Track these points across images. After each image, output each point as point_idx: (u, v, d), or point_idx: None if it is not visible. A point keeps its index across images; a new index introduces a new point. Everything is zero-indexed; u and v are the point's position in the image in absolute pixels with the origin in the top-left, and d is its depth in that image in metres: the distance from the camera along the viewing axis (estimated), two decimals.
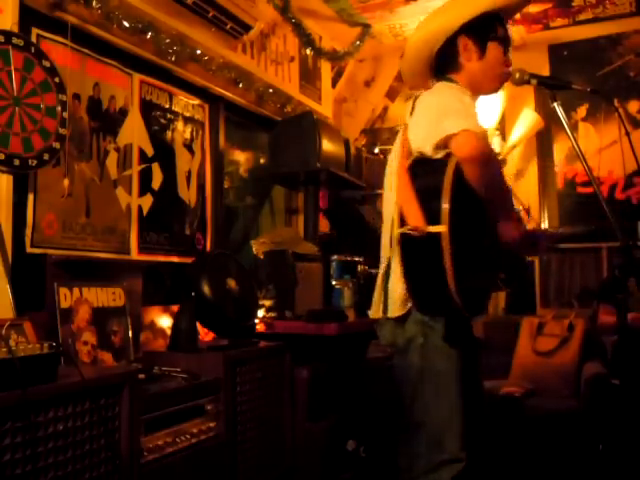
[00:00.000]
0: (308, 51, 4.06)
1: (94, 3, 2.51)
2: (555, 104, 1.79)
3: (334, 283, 3.44)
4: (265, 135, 3.88)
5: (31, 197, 2.32)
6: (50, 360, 1.62)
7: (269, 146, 3.76)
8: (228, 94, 3.43)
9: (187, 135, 3.19)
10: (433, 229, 1.61)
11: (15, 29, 2.20)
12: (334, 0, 4.01)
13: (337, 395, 2.95)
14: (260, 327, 2.96)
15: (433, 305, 1.74)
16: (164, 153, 3.01)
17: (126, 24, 2.68)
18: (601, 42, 4.51)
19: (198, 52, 3.10)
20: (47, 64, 2.29)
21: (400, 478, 1.86)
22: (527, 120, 4.50)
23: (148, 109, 2.92)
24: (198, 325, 2.61)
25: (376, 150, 4.75)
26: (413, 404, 1.78)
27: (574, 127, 4.48)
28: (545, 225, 4.64)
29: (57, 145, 2.31)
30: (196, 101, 3.26)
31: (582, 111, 4.52)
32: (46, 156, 2.27)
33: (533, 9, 4.21)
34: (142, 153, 2.86)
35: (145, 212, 2.86)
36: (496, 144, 4.72)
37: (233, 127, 3.66)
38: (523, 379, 3.67)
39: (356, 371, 3.10)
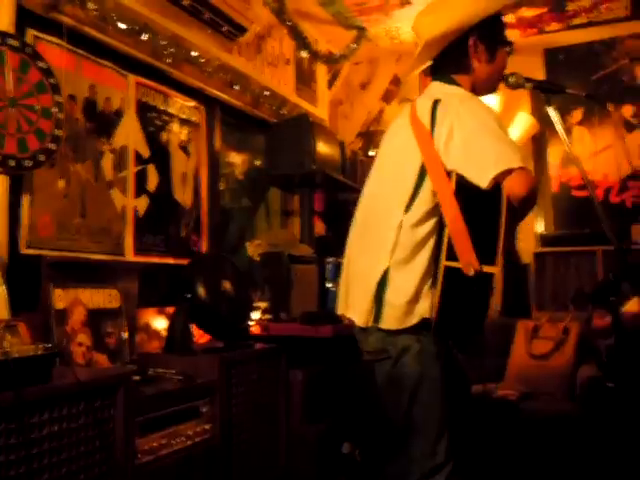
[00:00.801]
0: (304, 54, 4.07)
1: (90, 4, 2.51)
2: (549, 108, 1.80)
3: (329, 285, 3.44)
4: (261, 137, 3.89)
5: (26, 198, 2.31)
6: (44, 361, 1.62)
7: (265, 148, 3.76)
8: (224, 96, 3.43)
9: (183, 137, 3.19)
10: (488, 270, 1.59)
11: (11, 30, 2.20)
12: (330, 3, 4.02)
13: (332, 397, 2.95)
14: (255, 329, 2.96)
15: (454, 331, 1.73)
16: (160, 155, 3.01)
17: (122, 25, 2.68)
18: (596, 46, 4.53)
19: (194, 54, 3.10)
20: (43, 65, 2.28)
21: None
22: (522, 123, 4.51)
23: (144, 111, 2.92)
24: (193, 327, 2.61)
25: (371, 153, 4.76)
26: (411, 410, 1.75)
27: (569, 131, 4.50)
28: (541, 228, 4.66)
29: (53, 146, 2.31)
30: (192, 103, 3.26)
31: (577, 115, 4.54)
32: (41, 157, 2.26)
33: (528, 13, 4.24)
34: (138, 155, 2.86)
35: (141, 214, 2.85)
36: None
37: (229, 129, 3.66)
38: (518, 382, 3.67)
39: (351, 373, 3.10)
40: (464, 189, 1.62)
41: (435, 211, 1.69)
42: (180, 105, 3.18)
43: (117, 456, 1.79)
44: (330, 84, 4.66)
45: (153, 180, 2.95)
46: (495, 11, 1.78)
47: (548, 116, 1.82)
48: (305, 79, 4.25)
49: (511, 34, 4.51)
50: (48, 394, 1.59)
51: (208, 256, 3.17)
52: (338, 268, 3.54)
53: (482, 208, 1.62)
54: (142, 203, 2.87)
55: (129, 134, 2.81)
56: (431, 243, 1.68)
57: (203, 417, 2.26)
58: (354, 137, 5.09)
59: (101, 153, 2.65)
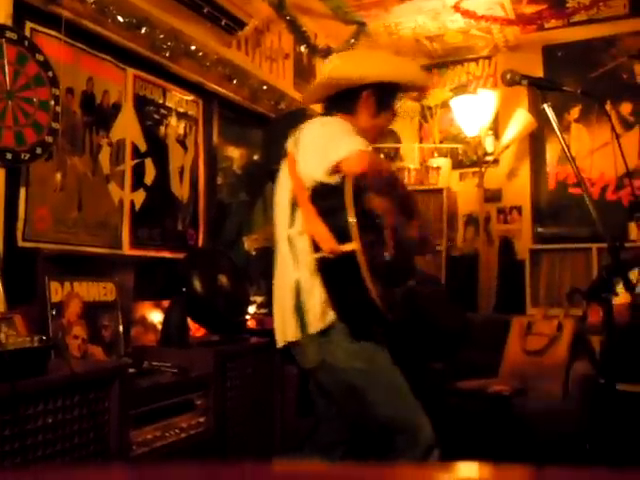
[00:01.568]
0: (303, 48, 4.07)
1: None
2: (545, 105, 1.81)
3: None
4: (259, 131, 3.89)
5: (23, 191, 2.32)
6: (40, 353, 1.63)
7: (263, 142, 3.76)
8: (222, 90, 3.43)
9: (180, 131, 3.19)
10: (347, 247, 1.71)
11: (9, 22, 2.20)
12: None
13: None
14: (251, 323, 2.97)
15: (358, 314, 1.82)
16: (157, 148, 3.01)
17: (120, 19, 2.68)
18: (595, 44, 4.53)
19: (192, 48, 3.10)
20: (41, 58, 2.29)
21: None
22: (520, 121, 4.52)
23: (142, 104, 2.92)
24: (189, 320, 2.62)
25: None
26: (376, 407, 1.84)
27: (567, 128, 4.51)
28: (537, 225, 4.67)
29: (50, 139, 2.31)
30: (190, 97, 3.26)
31: (575, 112, 4.54)
32: (39, 150, 2.27)
33: (528, 10, 4.24)
34: (135, 148, 2.87)
35: (137, 207, 2.86)
36: (489, 144, 4.74)
37: (227, 123, 3.66)
38: (512, 378, 3.69)
39: None
40: (320, 190, 1.82)
41: None
42: (178, 99, 3.18)
43: (112, 448, 1.80)
44: None
45: (150, 174, 2.95)
46: (396, 80, 2.03)
47: (546, 113, 1.83)
48: (304, 74, 4.25)
49: (511, 31, 4.52)
50: (43, 386, 1.60)
51: (205, 250, 3.17)
52: None
53: (336, 204, 1.76)
54: (139, 197, 2.88)
55: (127, 127, 2.82)
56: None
57: (198, 410, 2.27)
58: None
59: (98, 146, 2.66)
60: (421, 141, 5.07)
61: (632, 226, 4.11)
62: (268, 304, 3.14)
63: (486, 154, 4.69)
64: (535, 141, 4.68)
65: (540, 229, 4.66)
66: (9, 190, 2.24)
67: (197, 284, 2.54)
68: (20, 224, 2.30)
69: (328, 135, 1.87)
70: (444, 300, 3.81)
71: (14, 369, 1.49)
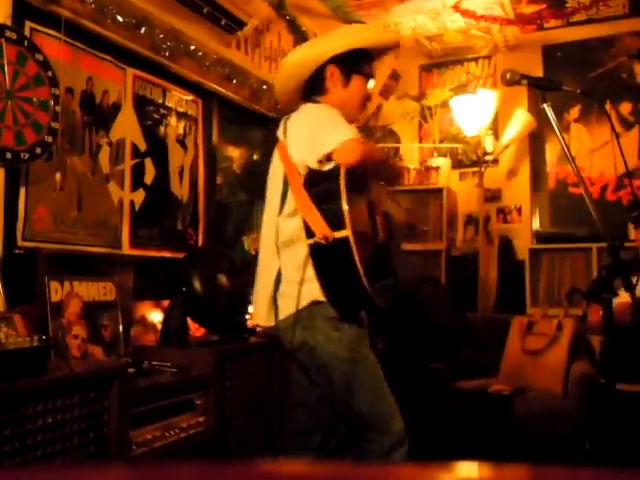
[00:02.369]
0: None
1: None
2: (545, 105, 1.81)
3: None
4: (259, 131, 3.89)
5: (23, 191, 2.32)
6: (40, 353, 1.63)
7: (263, 142, 3.75)
8: (222, 90, 3.43)
9: (180, 130, 3.19)
10: (339, 234, 1.75)
11: (8, 22, 2.20)
12: None
13: None
14: (251, 323, 2.97)
15: (349, 299, 1.86)
16: (157, 148, 3.01)
17: (120, 18, 2.67)
18: (594, 44, 4.53)
19: (192, 47, 3.10)
20: (40, 58, 2.28)
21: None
22: (520, 120, 4.52)
23: (141, 104, 2.92)
24: (189, 320, 2.62)
25: None
26: (354, 393, 1.88)
27: (566, 128, 4.50)
28: (536, 225, 4.67)
29: (49, 139, 2.31)
30: (190, 96, 3.26)
31: (574, 112, 4.54)
32: (38, 150, 2.26)
33: (527, 10, 4.24)
34: (135, 148, 2.87)
35: (137, 207, 2.86)
36: (489, 144, 4.74)
37: (227, 123, 3.66)
38: (512, 377, 3.69)
39: None
40: (313, 177, 1.87)
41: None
42: (178, 99, 3.18)
43: (111, 448, 1.80)
44: None
45: (150, 173, 2.95)
46: (353, 47, 2.05)
47: (545, 113, 1.83)
48: None
49: (510, 30, 4.52)
50: (43, 386, 1.60)
51: (204, 250, 3.18)
52: None
53: (329, 191, 1.81)
54: (139, 196, 2.88)
55: (126, 127, 2.82)
56: (302, 235, 1.86)
57: (197, 410, 2.27)
58: None
59: (98, 146, 2.66)
60: (421, 141, 5.07)
61: (631, 226, 4.11)
62: None
63: (486, 154, 4.69)
64: (535, 141, 4.68)
65: (540, 229, 4.66)
66: (9, 190, 2.24)
67: (197, 284, 2.54)
68: (20, 224, 2.30)
69: (320, 123, 1.90)
70: (444, 300, 3.80)
71: (14, 369, 1.49)
